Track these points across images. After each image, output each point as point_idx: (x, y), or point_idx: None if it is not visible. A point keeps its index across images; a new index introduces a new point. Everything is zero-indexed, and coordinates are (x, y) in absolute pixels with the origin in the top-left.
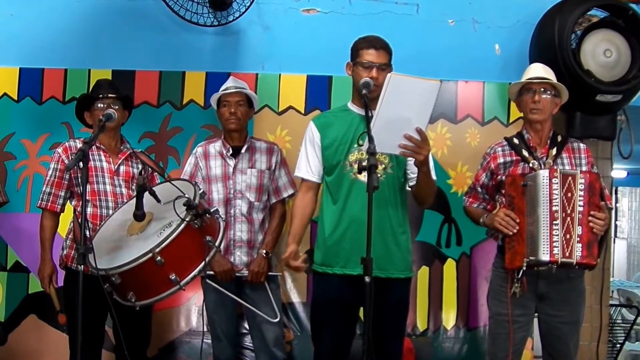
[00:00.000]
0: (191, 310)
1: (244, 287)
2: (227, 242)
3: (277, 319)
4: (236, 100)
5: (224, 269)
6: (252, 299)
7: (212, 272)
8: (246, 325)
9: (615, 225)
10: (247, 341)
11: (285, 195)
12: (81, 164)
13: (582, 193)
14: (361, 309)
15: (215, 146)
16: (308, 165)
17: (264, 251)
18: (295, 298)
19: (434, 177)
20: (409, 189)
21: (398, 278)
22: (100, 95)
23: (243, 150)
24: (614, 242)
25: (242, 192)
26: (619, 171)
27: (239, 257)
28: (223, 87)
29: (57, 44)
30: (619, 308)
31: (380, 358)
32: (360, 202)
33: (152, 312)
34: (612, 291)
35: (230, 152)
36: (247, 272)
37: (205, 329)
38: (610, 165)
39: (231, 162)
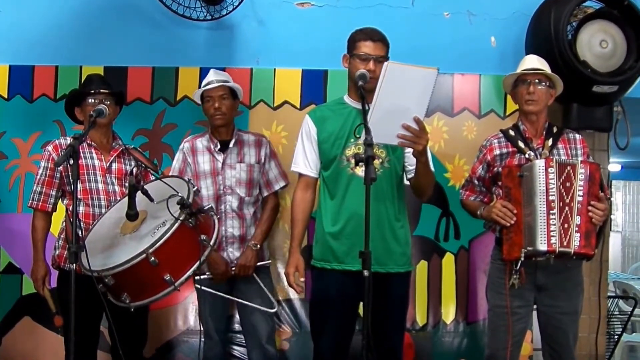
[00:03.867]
0: (188, 309)
1: (237, 282)
2: (219, 239)
3: (275, 309)
4: (219, 94)
5: (219, 271)
6: (245, 294)
7: (206, 274)
8: (238, 323)
9: (610, 219)
10: (239, 338)
11: (277, 187)
12: (71, 161)
13: (581, 183)
14: (361, 303)
15: (203, 141)
16: (306, 160)
17: (253, 243)
18: (293, 294)
19: (432, 168)
20: (407, 182)
21: (398, 272)
22: (93, 91)
23: (231, 145)
24: (609, 235)
25: (232, 187)
26: (613, 165)
27: (232, 252)
28: (204, 82)
29: (47, 41)
30: (615, 300)
31: (381, 353)
32: (358, 197)
33: (148, 311)
34: (608, 283)
35: (218, 147)
36: None
37: (202, 328)
38: (607, 157)
39: (219, 157)
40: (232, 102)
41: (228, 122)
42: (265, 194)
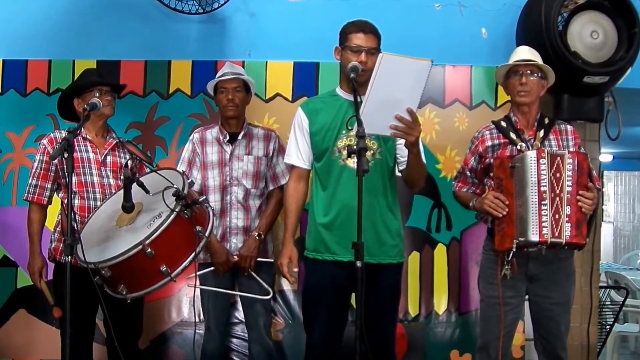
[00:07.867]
0: (182, 300)
1: (239, 276)
2: (223, 230)
3: (269, 296)
4: (233, 86)
5: (220, 260)
6: (246, 287)
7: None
8: (237, 315)
9: (602, 210)
10: (238, 330)
11: (283, 182)
12: (66, 154)
13: (570, 173)
14: (353, 294)
15: (212, 132)
16: (298, 152)
17: (256, 233)
18: (286, 285)
19: (423, 160)
20: (399, 174)
21: (390, 264)
22: (99, 83)
23: (240, 137)
24: (601, 226)
25: (239, 179)
26: (605, 155)
27: (235, 244)
28: (220, 73)
29: (40, 35)
30: (607, 290)
31: (373, 344)
32: (350, 188)
33: (143, 303)
34: (600, 274)
35: (227, 138)
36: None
37: (197, 320)
38: (598, 147)
39: (228, 149)
40: (245, 95)
41: (239, 114)
42: (271, 187)
